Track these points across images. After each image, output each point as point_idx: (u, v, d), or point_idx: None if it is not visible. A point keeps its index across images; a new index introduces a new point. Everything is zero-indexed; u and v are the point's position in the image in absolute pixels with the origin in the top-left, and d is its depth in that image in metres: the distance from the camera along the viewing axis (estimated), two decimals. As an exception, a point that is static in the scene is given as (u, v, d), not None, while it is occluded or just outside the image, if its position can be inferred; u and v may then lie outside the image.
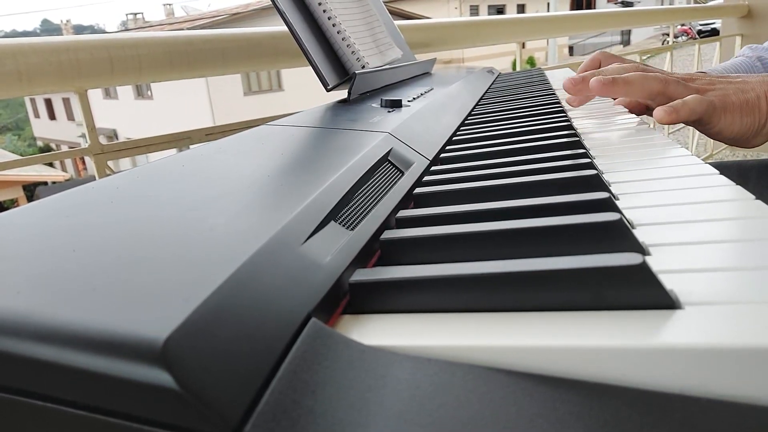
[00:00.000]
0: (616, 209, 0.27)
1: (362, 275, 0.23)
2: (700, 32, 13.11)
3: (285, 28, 0.59)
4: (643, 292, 0.19)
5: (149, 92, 12.92)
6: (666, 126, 2.21)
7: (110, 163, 0.74)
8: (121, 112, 13.42)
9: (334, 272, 0.22)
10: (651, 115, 0.63)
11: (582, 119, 0.58)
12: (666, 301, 0.18)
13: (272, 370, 0.16)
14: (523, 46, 1.89)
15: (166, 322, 0.15)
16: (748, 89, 0.52)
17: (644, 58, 2.11)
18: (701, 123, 0.52)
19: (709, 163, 0.35)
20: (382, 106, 0.55)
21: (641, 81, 0.52)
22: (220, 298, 0.16)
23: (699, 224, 0.26)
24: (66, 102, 16.84)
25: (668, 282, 0.19)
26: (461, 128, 0.58)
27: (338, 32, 0.66)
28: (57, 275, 0.18)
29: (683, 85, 0.53)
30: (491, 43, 1.45)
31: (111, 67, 0.69)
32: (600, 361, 0.17)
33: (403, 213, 0.30)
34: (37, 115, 19.39)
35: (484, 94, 0.84)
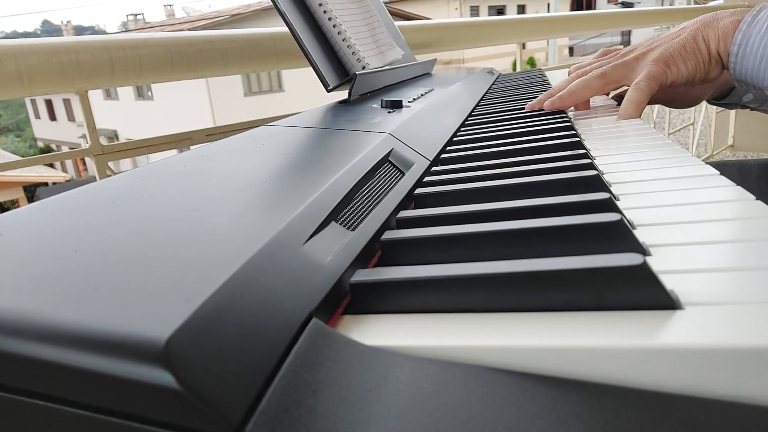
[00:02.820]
0: (617, 210, 0.27)
1: (363, 275, 0.23)
2: (700, 33, 13.06)
3: (285, 28, 0.60)
4: (643, 292, 0.19)
5: (150, 93, 12.93)
6: (666, 126, 2.22)
7: (111, 164, 0.74)
8: (122, 113, 13.43)
9: (334, 272, 0.22)
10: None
11: (582, 119, 0.58)
12: (666, 302, 0.18)
13: (274, 369, 0.16)
14: (524, 46, 1.89)
15: (168, 322, 0.15)
16: (682, 33, 0.56)
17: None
18: (657, 89, 0.56)
19: (710, 163, 0.35)
20: (382, 107, 0.55)
21: (582, 87, 0.59)
22: (222, 298, 0.17)
23: (699, 225, 0.26)
24: (67, 103, 16.86)
25: (669, 282, 0.19)
26: (462, 129, 0.58)
27: (339, 33, 0.66)
28: (59, 275, 0.18)
29: (621, 65, 0.58)
30: (491, 44, 1.45)
31: (111, 68, 0.69)
32: (601, 361, 0.17)
33: (404, 213, 0.30)
34: (37, 116, 19.41)
35: (484, 94, 0.84)
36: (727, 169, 0.74)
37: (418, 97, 0.62)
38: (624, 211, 0.28)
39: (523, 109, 0.64)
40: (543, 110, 0.60)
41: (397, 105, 0.55)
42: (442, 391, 0.16)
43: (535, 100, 0.63)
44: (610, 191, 0.32)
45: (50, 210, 0.25)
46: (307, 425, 0.15)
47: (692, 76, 0.56)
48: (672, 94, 0.70)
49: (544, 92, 0.64)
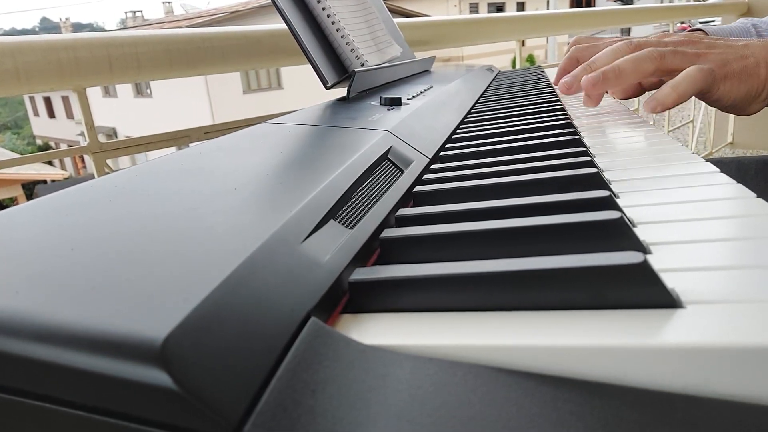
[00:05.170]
0: (617, 207, 0.27)
1: (362, 274, 0.22)
2: (699, 30, 13.07)
3: (284, 26, 0.59)
4: (644, 290, 0.19)
5: (148, 90, 12.90)
6: (666, 124, 2.21)
7: (109, 162, 0.74)
8: (120, 111, 13.41)
9: (333, 271, 0.22)
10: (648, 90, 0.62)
11: (582, 117, 0.58)
12: (667, 300, 0.18)
13: (272, 369, 0.16)
14: (523, 44, 1.89)
15: (165, 322, 0.15)
16: (749, 54, 0.50)
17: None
18: (701, 92, 0.50)
19: (709, 161, 0.35)
20: (381, 104, 0.55)
21: (633, 66, 0.49)
22: (219, 298, 0.16)
23: (700, 222, 0.25)
24: (65, 100, 16.83)
25: (669, 281, 0.19)
26: (461, 126, 0.58)
27: (337, 30, 0.66)
28: (55, 274, 0.18)
29: (681, 54, 0.50)
30: (491, 41, 1.45)
31: (110, 66, 0.69)
32: (601, 360, 0.17)
33: (403, 211, 0.30)
34: (36, 114, 19.37)
35: (483, 92, 0.84)
36: (725, 166, 0.74)
37: (417, 95, 0.62)
38: (624, 209, 0.28)
39: (522, 106, 0.63)
40: (554, 90, 0.53)
41: (396, 102, 0.55)
42: (442, 390, 0.16)
43: (569, 76, 0.53)
44: (610, 189, 0.32)
45: (48, 208, 0.25)
46: (305, 425, 0.15)
47: (737, 102, 0.51)
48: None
49: (581, 66, 0.53)
